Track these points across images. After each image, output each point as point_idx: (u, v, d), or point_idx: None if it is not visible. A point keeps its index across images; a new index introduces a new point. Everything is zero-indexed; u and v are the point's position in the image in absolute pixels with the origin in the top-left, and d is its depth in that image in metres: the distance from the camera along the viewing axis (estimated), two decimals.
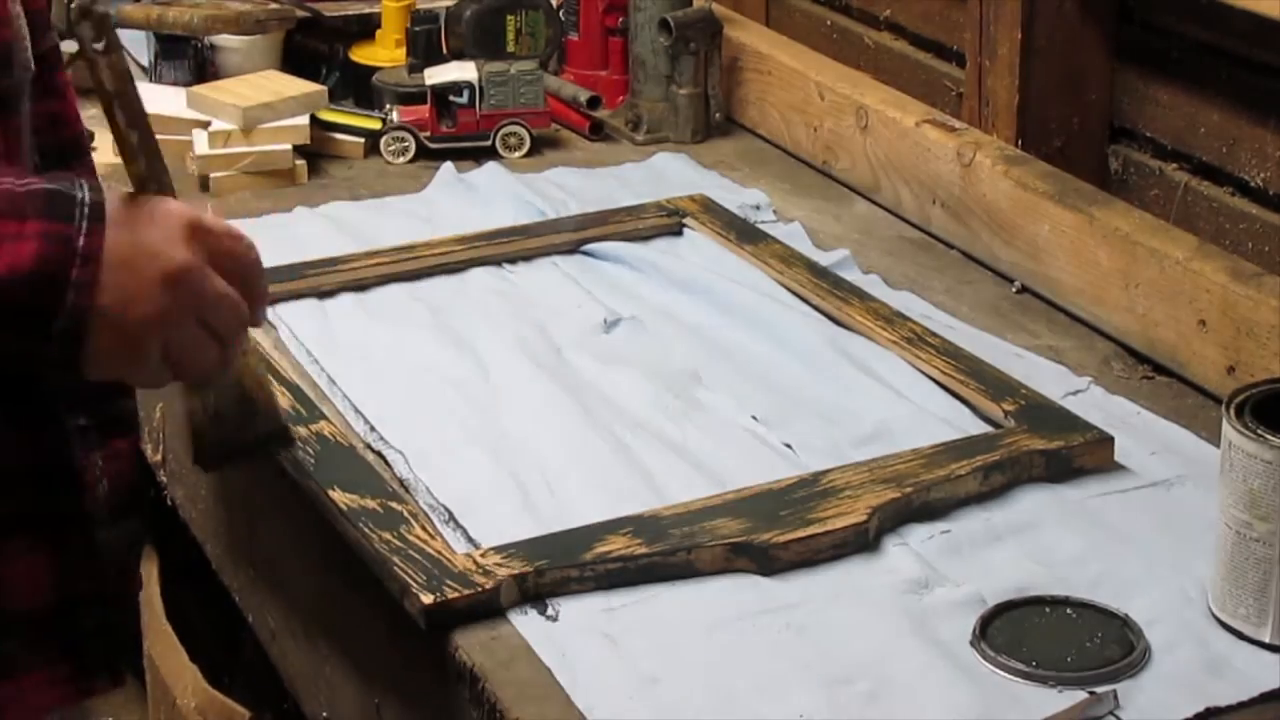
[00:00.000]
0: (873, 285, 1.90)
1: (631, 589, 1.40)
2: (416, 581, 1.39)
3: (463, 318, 1.86)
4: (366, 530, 1.46)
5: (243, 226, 1.97)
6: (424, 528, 1.46)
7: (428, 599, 1.37)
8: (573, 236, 2.02)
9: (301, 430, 1.60)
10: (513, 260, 1.99)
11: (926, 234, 2.07)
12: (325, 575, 1.62)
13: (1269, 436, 1.31)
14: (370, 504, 1.50)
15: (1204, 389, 1.70)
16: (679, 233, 2.05)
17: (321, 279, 1.92)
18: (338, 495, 1.51)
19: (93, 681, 1.30)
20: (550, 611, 1.38)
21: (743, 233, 2.02)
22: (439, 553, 1.43)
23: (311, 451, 1.59)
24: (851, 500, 1.47)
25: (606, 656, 1.33)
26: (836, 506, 1.47)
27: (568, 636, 1.35)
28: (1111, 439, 1.57)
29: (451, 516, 1.50)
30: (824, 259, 1.96)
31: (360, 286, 1.93)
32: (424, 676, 1.42)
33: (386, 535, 1.45)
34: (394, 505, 1.50)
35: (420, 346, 1.80)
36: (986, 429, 1.62)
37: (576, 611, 1.38)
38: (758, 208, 2.12)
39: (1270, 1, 1.67)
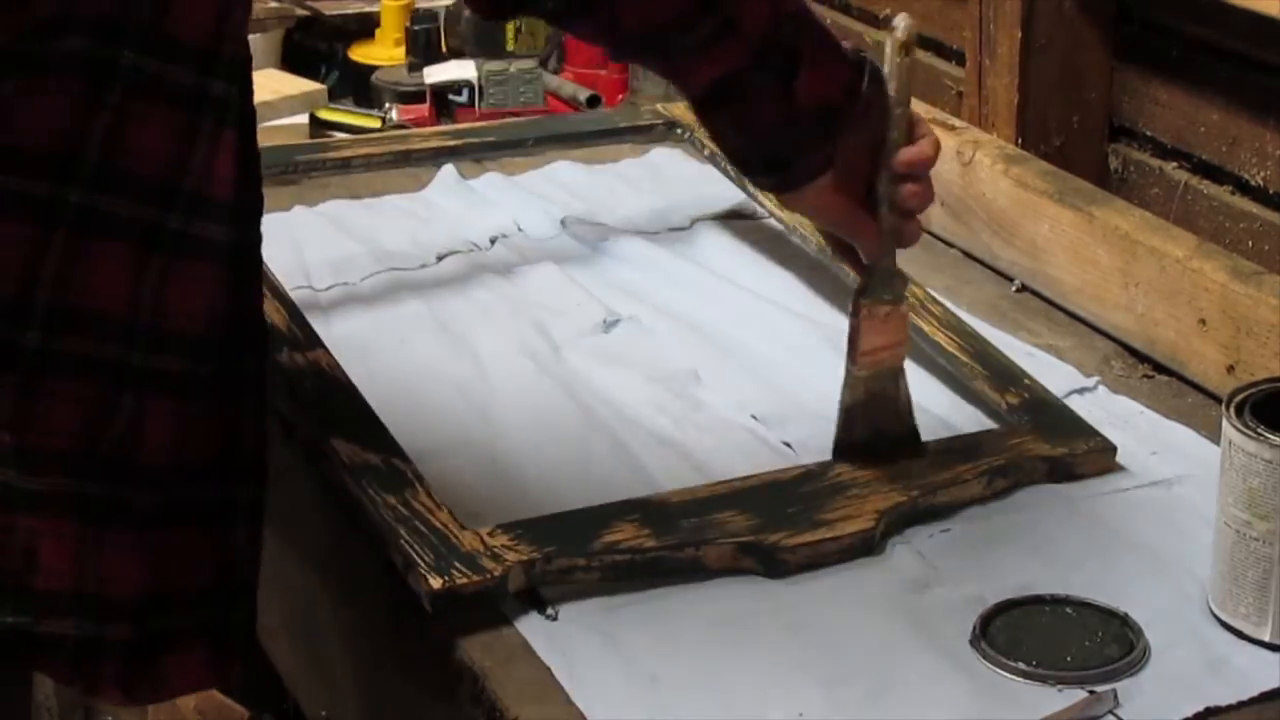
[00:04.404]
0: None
1: (632, 587, 1.40)
2: (424, 561, 1.37)
3: (462, 317, 1.86)
4: (371, 494, 1.44)
5: None
6: (428, 493, 1.45)
7: (436, 582, 1.35)
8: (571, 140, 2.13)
9: (298, 358, 1.58)
10: (504, 149, 2.09)
11: (926, 233, 2.06)
12: (325, 573, 1.62)
13: (1269, 435, 1.31)
14: (373, 459, 1.48)
15: (1204, 388, 1.70)
16: (674, 131, 2.15)
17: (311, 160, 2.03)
18: (340, 445, 1.49)
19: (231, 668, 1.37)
20: (550, 610, 1.38)
21: None
22: (445, 526, 1.41)
23: (309, 387, 1.57)
24: (859, 501, 1.47)
25: (607, 656, 1.33)
26: (844, 507, 1.46)
27: (568, 635, 1.35)
28: (1114, 448, 1.57)
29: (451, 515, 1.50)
30: None
31: (348, 167, 2.05)
32: (424, 676, 1.42)
33: (391, 500, 1.43)
34: (396, 462, 1.48)
35: (419, 346, 1.80)
36: (988, 425, 1.62)
37: (577, 610, 1.38)
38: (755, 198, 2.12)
39: (1270, 1, 1.67)
